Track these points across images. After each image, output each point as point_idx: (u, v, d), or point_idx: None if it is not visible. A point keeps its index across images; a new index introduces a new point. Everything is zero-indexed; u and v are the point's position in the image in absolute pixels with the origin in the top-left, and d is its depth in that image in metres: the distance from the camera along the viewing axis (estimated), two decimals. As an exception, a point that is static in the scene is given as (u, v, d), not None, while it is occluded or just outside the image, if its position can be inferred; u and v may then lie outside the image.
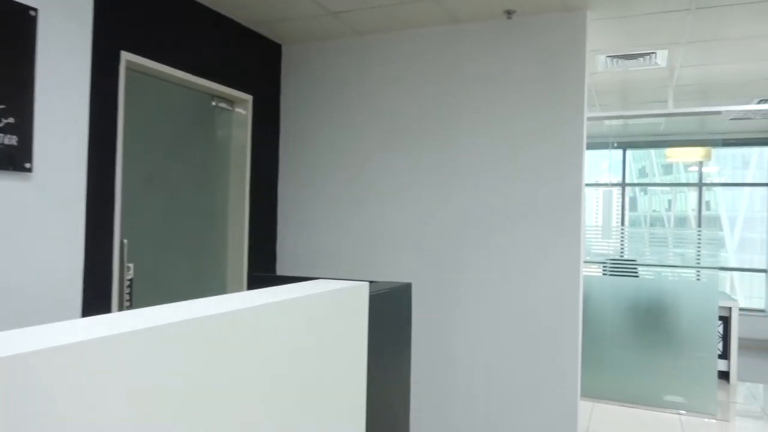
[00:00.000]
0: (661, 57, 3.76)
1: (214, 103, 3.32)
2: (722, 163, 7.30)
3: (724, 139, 6.27)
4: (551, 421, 2.98)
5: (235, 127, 3.46)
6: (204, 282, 3.26)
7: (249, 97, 3.44)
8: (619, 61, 3.83)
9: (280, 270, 3.64)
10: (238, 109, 3.45)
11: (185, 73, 2.96)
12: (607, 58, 3.81)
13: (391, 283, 1.99)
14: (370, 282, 1.94)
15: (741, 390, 5.06)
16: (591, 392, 4.49)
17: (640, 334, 4.46)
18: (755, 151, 7.17)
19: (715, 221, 7.30)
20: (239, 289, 3.37)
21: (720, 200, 7.36)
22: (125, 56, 2.63)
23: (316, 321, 1.29)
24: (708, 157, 4.38)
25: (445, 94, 3.26)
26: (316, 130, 3.60)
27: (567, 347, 2.96)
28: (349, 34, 3.47)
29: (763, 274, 7.00)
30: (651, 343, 4.42)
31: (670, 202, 7.93)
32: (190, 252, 3.16)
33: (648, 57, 3.73)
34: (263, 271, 3.51)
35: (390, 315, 1.88)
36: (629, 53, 3.69)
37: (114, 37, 2.58)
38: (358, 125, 3.48)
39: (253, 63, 3.49)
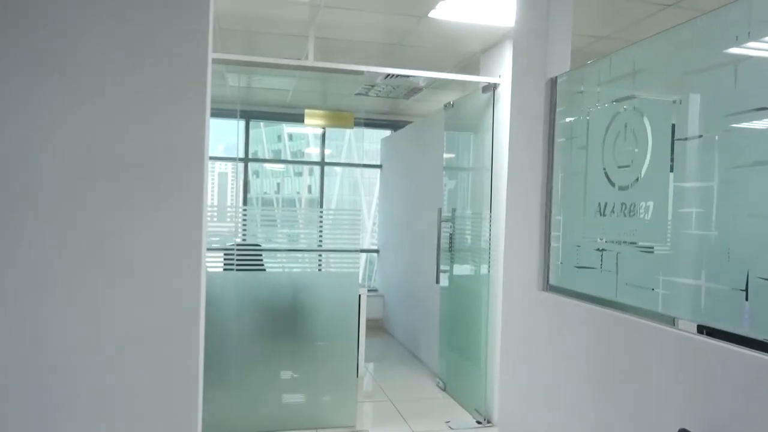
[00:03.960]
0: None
1: None
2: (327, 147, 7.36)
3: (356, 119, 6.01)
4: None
5: None
6: None
7: None
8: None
9: None
10: None
11: None
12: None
13: None
14: None
15: (366, 378, 4.80)
16: (215, 428, 3.34)
17: (273, 345, 3.57)
18: (347, 134, 7.37)
19: (316, 203, 7.37)
20: None
21: (324, 183, 7.34)
22: None
23: None
24: (351, 123, 3.78)
25: None
26: None
27: (182, 374, 2.00)
28: None
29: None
30: (285, 355, 3.58)
31: (279, 185, 7.80)
32: None
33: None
34: None
35: None
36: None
37: None
38: None
39: None
